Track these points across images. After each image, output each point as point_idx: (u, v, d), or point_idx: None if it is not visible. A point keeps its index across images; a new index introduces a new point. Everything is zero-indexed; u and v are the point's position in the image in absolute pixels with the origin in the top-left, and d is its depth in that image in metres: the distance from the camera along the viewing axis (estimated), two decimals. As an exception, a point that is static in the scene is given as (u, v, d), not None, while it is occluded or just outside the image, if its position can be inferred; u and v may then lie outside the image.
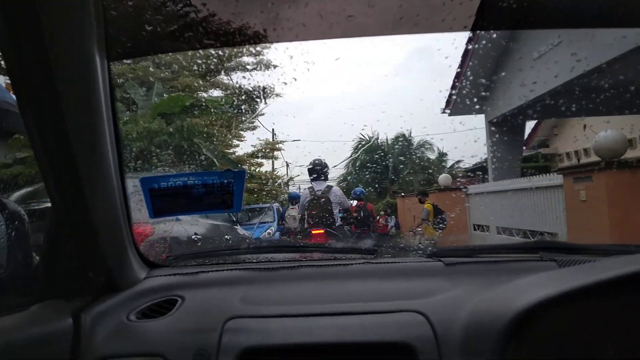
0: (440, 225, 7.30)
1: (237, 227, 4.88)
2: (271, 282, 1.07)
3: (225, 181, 1.05)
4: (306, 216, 4.40)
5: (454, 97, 9.99)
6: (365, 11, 0.84)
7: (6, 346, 0.80)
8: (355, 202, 5.71)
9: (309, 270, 1.11)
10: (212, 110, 10.56)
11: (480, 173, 12.78)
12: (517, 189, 7.85)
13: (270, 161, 19.05)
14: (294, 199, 6.72)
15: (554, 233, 6.48)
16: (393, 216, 11.84)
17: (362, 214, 5.45)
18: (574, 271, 0.95)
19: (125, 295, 0.99)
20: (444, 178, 11.69)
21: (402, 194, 14.84)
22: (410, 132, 19.10)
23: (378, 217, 11.22)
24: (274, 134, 18.77)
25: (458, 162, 18.87)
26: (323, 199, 4.33)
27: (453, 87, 9.74)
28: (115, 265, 0.97)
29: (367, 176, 18.33)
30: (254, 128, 17.22)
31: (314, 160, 4.56)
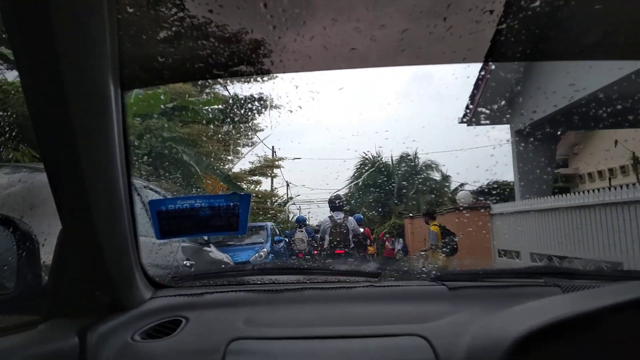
0: (445, 248, 6.72)
1: (208, 248, 4.25)
2: (275, 304, 1.07)
3: (232, 204, 1.07)
4: (328, 239, 5.59)
5: (475, 104, 8.77)
6: (367, 44, 0.87)
7: None
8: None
9: (313, 292, 1.12)
10: (200, 114, 9.13)
11: (502, 191, 10.96)
12: (561, 207, 6.44)
13: (269, 179, 17.97)
14: (301, 222, 7.81)
15: (617, 262, 5.28)
16: (400, 239, 11.07)
17: (360, 238, 6.29)
18: (578, 297, 0.94)
19: (131, 315, 1.00)
20: (464, 195, 10.48)
21: (410, 214, 13.89)
22: (416, 153, 18.58)
23: (385, 240, 10.77)
24: (273, 152, 17.87)
25: (462, 184, 17.95)
26: (342, 226, 5.58)
27: (475, 91, 8.47)
28: (121, 285, 0.99)
29: (371, 197, 17.68)
30: (253, 145, 16.06)
31: (334, 195, 5.87)
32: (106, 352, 0.89)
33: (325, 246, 5.64)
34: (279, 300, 1.09)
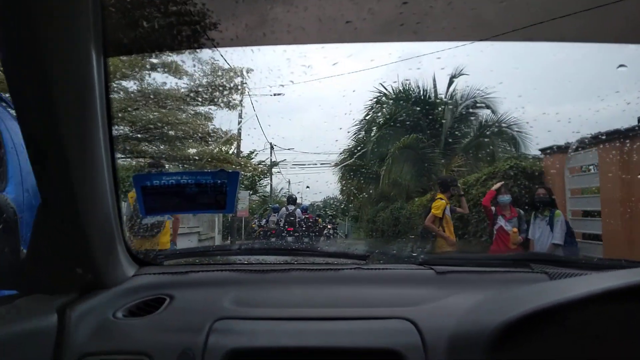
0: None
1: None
2: (261, 284, 1.06)
3: (219, 182, 1.05)
4: (283, 222, 9.48)
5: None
6: (364, 17, 0.84)
7: None
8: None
9: (300, 273, 1.11)
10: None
11: None
12: None
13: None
14: (275, 210, 11.24)
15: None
16: (558, 212, 4.55)
17: (305, 222, 9.98)
18: (565, 284, 0.95)
19: (113, 292, 0.98)
20: None
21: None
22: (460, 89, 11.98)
23: (495, 210, 4.86)
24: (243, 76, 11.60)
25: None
26: (293, 215, 9.44)
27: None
28: (103, 262, 0.96)
29: (397, 148, 11.37)
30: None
31: (290, 195, 9.90)
32: (86, 329, 0.87)
33: (281, 225, 9.48)
34: (265, 280, 1.08)
